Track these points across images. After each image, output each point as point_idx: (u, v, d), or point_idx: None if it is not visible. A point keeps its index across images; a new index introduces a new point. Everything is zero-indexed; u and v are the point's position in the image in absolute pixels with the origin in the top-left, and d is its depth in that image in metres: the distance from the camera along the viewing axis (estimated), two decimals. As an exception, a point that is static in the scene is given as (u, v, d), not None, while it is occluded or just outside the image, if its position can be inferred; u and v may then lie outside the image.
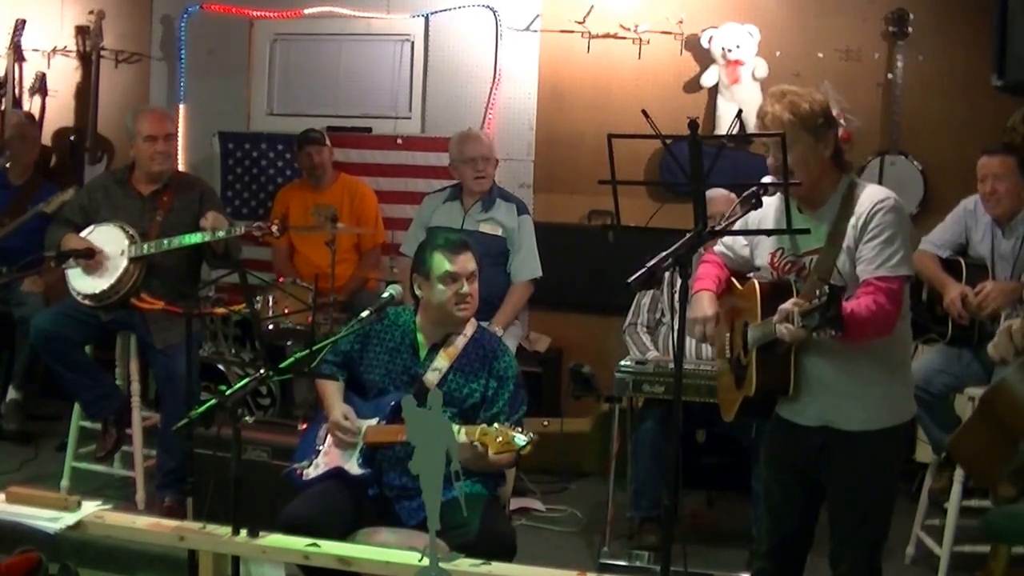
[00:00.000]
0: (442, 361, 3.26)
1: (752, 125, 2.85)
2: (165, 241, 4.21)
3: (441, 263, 3.24)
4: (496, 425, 3.00)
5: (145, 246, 4.22)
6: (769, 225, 2.85)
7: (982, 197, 4.05)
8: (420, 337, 3.33)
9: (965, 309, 3.89)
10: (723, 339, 3.06)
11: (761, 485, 3.05)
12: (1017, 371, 3.29)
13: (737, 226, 2.76)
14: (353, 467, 3.17)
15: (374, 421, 3.20)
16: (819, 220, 2.75)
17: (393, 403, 3.19)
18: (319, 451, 3.27)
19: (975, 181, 4.12)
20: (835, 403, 2.79)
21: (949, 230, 4.18)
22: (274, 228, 4.23)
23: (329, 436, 3.28)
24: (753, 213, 2.76)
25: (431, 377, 3.24)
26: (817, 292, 2.48)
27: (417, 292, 3.33)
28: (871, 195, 2.74)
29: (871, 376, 2.77)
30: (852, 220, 2.72)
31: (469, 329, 3.33)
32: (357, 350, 3.37)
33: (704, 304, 2.96)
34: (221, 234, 4.16)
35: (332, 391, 3.33)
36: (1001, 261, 4.02)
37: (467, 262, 3.27)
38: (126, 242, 4.24)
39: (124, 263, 4.22)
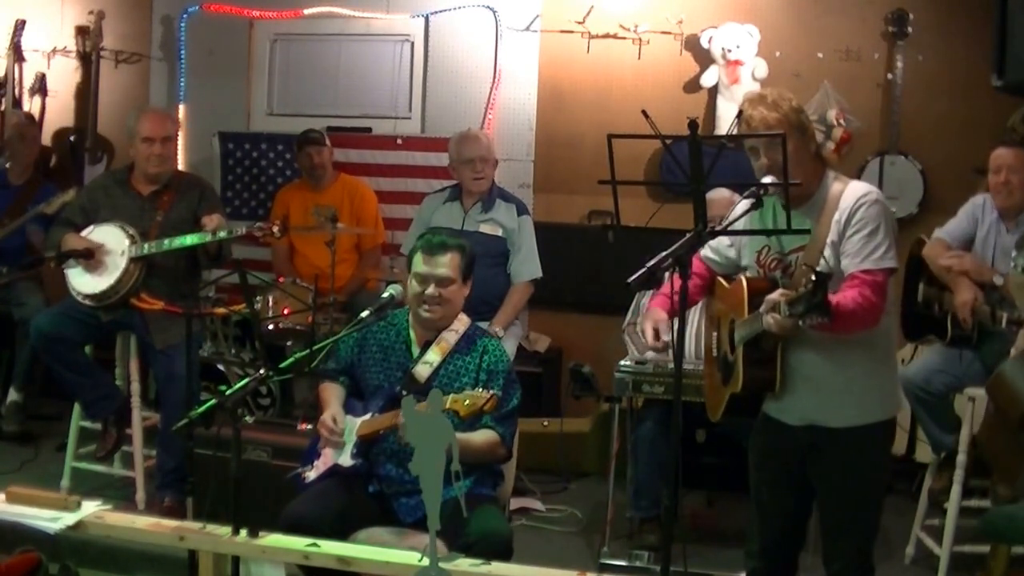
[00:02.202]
0: (433, 355, 3.27)
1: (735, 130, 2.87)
2: (165, 241, 4.21)
3: (417, 262, 3.30)
4: (466, 391, 3.03)
5: (145, 246, 4.22)
6: (756, 224, 2.85)
7: (994, 188, 4.04)
8: (413, 335, 3.35)
9: (972, 315, 3.87)
10: (710, 337, 3.06)
11: (751, 484, 3.06)
12: (1015, 361, 3.31)
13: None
14: (345, 460, 3.18)
15: (367, 416, 3.21)
16: (803, 217, 2.76)
17: (384, 396, 3.20)
18: (319, 454, 3.28)
19: (975, 181, 4.12)
20: (822, 400, 2.79)
21: (960, 224, 4.16)
22: (275, 229, 4.22)
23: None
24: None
25: (421, 370, 3.25)
26: (804, 280, 2.49)
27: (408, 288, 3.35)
28: (854, 191, 2.76)
29: (857, 370, 2.78)
30: (836, 216, 2.73)
31: (461, 326, 3.34)
32: (356, 354, 3.38)
33: (649, 318, 2.99)
34: (222, 235, 4.14)
35: (331, 396, 3.35)
36: (1004, 257, 4.01)
37: (440, 266, 3.27)
38: (126, 242, 4.24)
39: (124, 263, 4.22)
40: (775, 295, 2.59)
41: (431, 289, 3.25)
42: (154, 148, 4.35)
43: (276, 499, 3.18)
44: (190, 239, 4.17)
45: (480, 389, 3.04)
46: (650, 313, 3.07)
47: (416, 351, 3.31)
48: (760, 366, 2.77)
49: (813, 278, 2.41)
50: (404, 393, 3.08)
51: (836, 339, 2.70)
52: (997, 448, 3.60)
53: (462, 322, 3.35)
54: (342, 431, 3.21)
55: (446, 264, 3.28)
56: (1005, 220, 4.04)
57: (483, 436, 3.15)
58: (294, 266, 5.55)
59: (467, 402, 2.95)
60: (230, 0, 6.21)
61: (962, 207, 4.20)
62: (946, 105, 5.38)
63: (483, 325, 3.94)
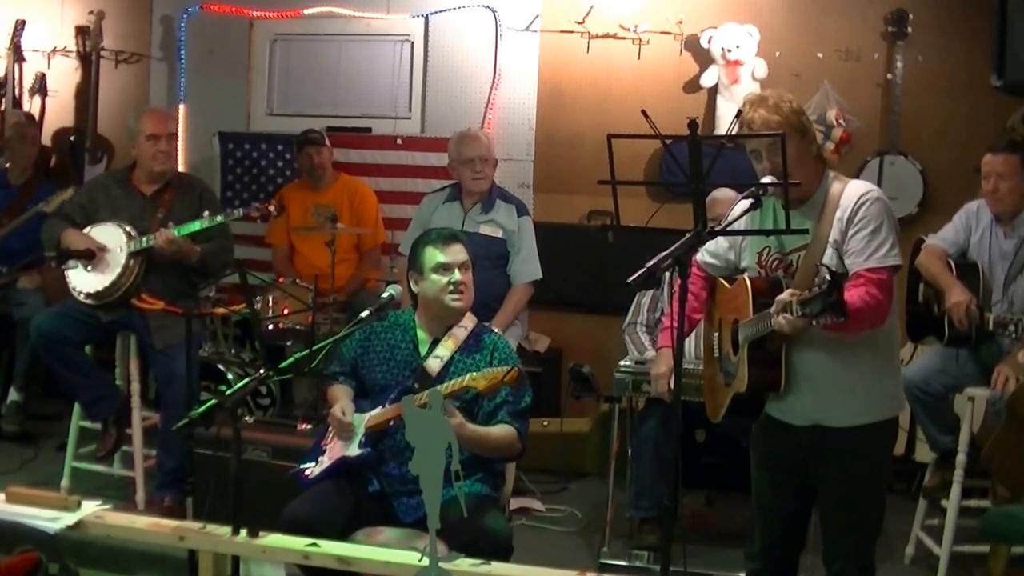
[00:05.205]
0: (443, 350, 3.27)
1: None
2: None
3: (433, 255, 3.28)
4: (483, 368, 3.06)
5: (144, 239, 4.23)
6: (755, 225, 2.86)
7: (985, 194, 4.05)
8: (421, 333, 3.34)
9: (967, 317, 3.86)
10: (711, 338, 3.06)
11: (752, 485, 3.06)
12: None
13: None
14: (353, 450, 3.18)
15: (377, 411, 3.21)
16: (804, 217, 2.76)
17: (395, 390, 3.20)
18: (324, 450, 3.29)
19: (974, 181, 4.12)
20: (825, 400, 2.79)
21: (955, 230, 4.17)
22: (271, 207, 4.27)
23: (331, 432, 3.30)
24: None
25: (432, 364, 3.25)
26: (816, 280, 2.48)
27: (414, 288, 3.34)
28: (855, 189, 2.77)
29: (862, 370, 2.78)
30: (837, 214, 2.74)
31: (469, 323, 3.34)
32: (360, 354, 3.38)
33: (660, 362, 3.33)
34: (219, 219, 4.20)
35: (340, 393, 3.36)
36: (1001, 260, 4.01)
37: (458, 253, 3.29)
38: (124, 238, 4.25)
39: (124, 259, 4.22)
40: (785, 295, 2.58)
41: (457, 275, 3.26)
42: (160, 145, 4.36)
43: (276, 499, 3.17)
44: (188, 227, 4.20)
45: (498, 366, 3.04)
46: (663, 355, 3.27)
47: (424, 349, 3.31)
48: (765, 366, 2.76)
49: (828, 277, 2.41)
50: (416, 387, 3.10)
51: (840, 339, 2.70)
52: (1010, 463, 3.61)
53: (470, 319, 3.36)
54: (351, 423, 3.21)
55: (461, 251, 3.30)
56: (1001, 224, 4.04)
57: (501, 430, 3.15)
58: (294, 266, 5.55)
59: (486, 377, 2.96)
60: (230, 0, 6.21)
61: (956, 214, 4.20)
62: (946, 105, 5.38)
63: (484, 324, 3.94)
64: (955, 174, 5.21)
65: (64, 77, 6.50)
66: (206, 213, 4.26)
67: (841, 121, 5.42)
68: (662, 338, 3.30)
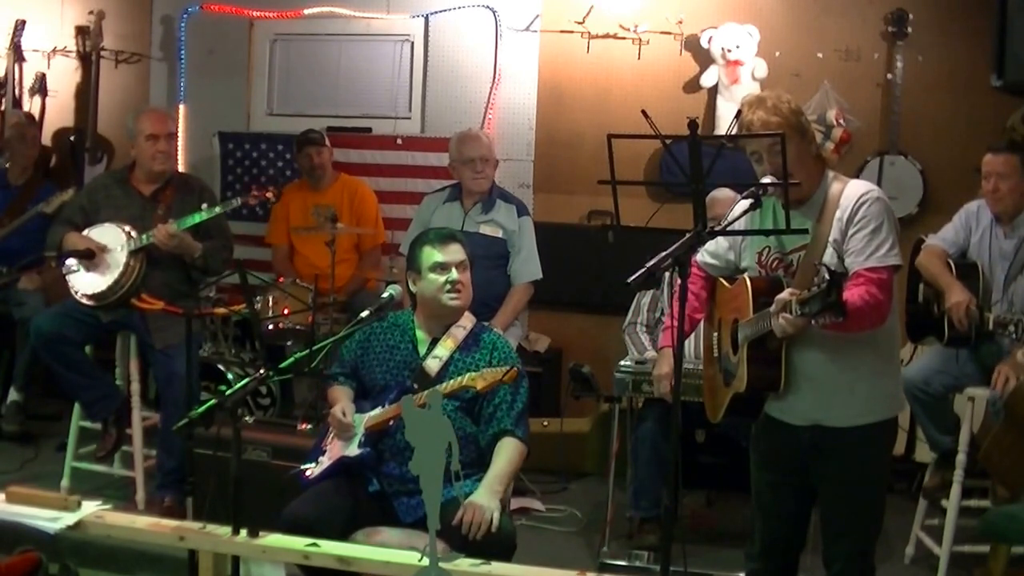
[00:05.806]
0: (442, 350, 3.28)
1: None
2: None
3: (431, 255, 3.29)
4: (482, 368, 3.08)
5: (143, 236, 4.23)
6: (755, 225, 2.86)
7: (985, 194, 4.06)
8: (420, 333, 3.35)
9: (967, 317, 3.86)
10: (711, 337, 3.06)
11: (752, 486, 3.06)
12: None
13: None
14: (353, 450, 3.19)
15: (377, 411, 3.21)
16: (804, 217, 2.76)
17: (395, 390, 3.20)
18: (325, 451, 3.29)
19: (975, 181, 4.12)
20: (825, 399, 2.79)
21: (955, 231, 4.17)
22: (269, 194, 4.33)
23: (331, 433, 3.30)
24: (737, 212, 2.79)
25: (431, 364, 3.26)
26: (816, 279, 2.48)
27: (412, 288, 3.35)
28: (855, 189, 2.77)
29: (863, 370, 2.78)
30: (837, 214, 2.74)
31: (468, 323, 3.34)
32: (359, 355, 3.39)
33: (662, 362, 3.35)
34: (218, 209, 4.24)
35: (340, 394, 3.37)
36: (1001, 260, 4.02)
37: (456, 252, 3.30)
38: (124, 238, 4.25)
39: (124, 258, 4.23)
40: (785, 294, 2.58)
41: (455, 274, 3.26)
42: (159, 145, 4.37)
43: (276, 499, 3.17)
44: (188, 220, 4.22)
45: (497, 365, 3.06)
46: (664, 355, 3.27)
47: (424, 349, 3.32)
48: (764, 366, 2.76)
49: (827, 277, 2.41)
50: (415, 387, 3.11)
51: (841, 338, 2.70)
52: (1008, 462, 3.61)
53: (468, 319, 3.36)
54: (350, 423, 3.21)
55: (459, 251, 3.31)
56: (1001, 224, 4.04)
57: (508, 453, 3.16)
58: (294, 266, 5.55)
59: (485, 377, 2.98)
60: (230, 0, 6.21)
61: (956, 214, 4.20)
62: (946, 105, 5.38)
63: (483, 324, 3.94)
64: (955, 174, 5.21)
65: (64, 77, 6.50)
66: (204, 205, 4.27)
67: (841, 121, 5.42)
68: (663, 338, 3.31)
